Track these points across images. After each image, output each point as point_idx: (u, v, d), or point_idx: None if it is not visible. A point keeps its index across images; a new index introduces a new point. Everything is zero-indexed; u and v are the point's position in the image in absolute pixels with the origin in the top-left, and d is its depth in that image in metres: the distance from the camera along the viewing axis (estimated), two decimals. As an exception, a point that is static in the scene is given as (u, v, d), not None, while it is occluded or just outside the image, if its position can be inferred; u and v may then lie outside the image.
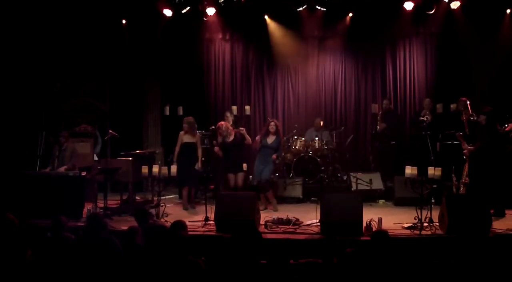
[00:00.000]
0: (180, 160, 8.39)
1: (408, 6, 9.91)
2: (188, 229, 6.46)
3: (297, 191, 9.10)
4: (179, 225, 5.03)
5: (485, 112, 7.67)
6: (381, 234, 4.59)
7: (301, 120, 10.81)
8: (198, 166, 8.43)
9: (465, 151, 7.76)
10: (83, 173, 7.58)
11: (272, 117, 10.32)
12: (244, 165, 8.42)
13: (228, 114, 9.62)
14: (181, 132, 8.56)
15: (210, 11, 10.22)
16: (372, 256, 4.26)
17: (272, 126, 8.36)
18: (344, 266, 4.03)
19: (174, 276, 3.95)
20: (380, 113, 10.26)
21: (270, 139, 8.34)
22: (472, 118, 8.45)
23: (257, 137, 8.53)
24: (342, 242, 5.56)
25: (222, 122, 8.60)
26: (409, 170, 6.77)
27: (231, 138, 8.37)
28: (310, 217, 7.27)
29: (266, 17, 10.73)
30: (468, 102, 8.75)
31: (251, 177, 9.51)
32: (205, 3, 10.14)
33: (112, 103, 10.64)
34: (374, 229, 6.42)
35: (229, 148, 8.36)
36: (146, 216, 5.66)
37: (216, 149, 8.52)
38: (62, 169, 7.93)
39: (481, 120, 7.70)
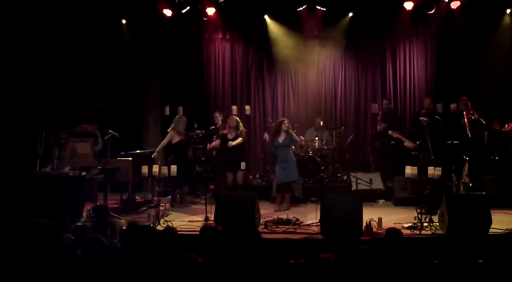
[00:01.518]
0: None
1: (408, 6, 9.92)
2: (188, 229, 6.55)
3: (297, 191, 9.09)
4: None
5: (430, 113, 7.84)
6: (396, 232, 4.57)
7: (301, 120, 10.77)
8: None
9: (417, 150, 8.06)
10: (83, 173, 7.59)
11: (271, 117, 10.36)
12: (243, 164, 8.43)
13: (217, 114, 9.67)
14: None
15: (210, 11, 10.23)
16: (386, 254, 4.26)
17: (285, 125, 8.34)
18: (353, 265, 4.04)
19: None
20: (380, 113, 10.25)
21: (281, 138, 8.34)
22: (473, 118, 8.45)
23: (265, 136, 8.56)
24: (342, 241, 5.57)
25: (235, 116, 8.75)
26: (409, 170, 6.77)
27: (233, 135, 8.42)
28: (310, 217, 7.29)
29: (266, 17, 10.71)
30: (468, 101, 8.75)
31: (251, 176, 9.51)
32: (205, 3, 10.14)
33: (112, 103, 10.64)
34: (374, 229, 6.45)
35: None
36: (105, 213, 5.70)
37: (214, 143, 8.69)
38: (66, 169, 7.94)
39: (427, 120, 7.90)
